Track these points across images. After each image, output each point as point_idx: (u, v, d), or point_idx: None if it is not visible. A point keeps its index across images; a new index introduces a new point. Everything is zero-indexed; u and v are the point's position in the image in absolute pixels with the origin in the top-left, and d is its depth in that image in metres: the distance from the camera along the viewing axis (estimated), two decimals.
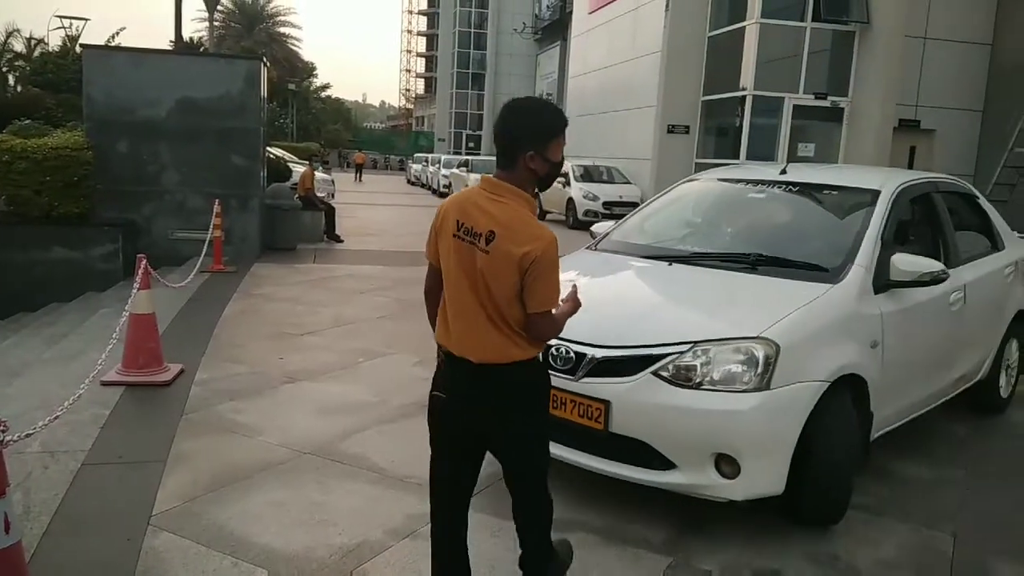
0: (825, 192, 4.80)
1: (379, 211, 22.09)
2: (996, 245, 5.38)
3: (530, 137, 2.41)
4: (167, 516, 3.43)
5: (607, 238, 5.00)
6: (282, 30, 61.44)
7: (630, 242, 4.81)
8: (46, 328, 8.15)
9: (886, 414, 3.97)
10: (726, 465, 3.24)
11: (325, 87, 71.32)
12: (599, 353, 3.45)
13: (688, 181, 5.52)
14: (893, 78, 14.52)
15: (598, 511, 3.63)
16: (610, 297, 4.14)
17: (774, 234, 4.62)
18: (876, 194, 4.33)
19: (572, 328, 3.14)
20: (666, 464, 3.32)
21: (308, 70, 64.55)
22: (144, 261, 5.25)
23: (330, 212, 13.92)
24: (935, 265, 3.99)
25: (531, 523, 2.72)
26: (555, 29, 40.61)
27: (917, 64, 15.33)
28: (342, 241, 13.52)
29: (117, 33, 27.50)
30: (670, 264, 4.27)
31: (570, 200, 18.54)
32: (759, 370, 3.26)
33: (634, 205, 18.06)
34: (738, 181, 5.23)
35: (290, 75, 53.04)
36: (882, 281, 3.90)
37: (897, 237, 4.29)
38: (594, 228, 5.35)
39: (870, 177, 4.82)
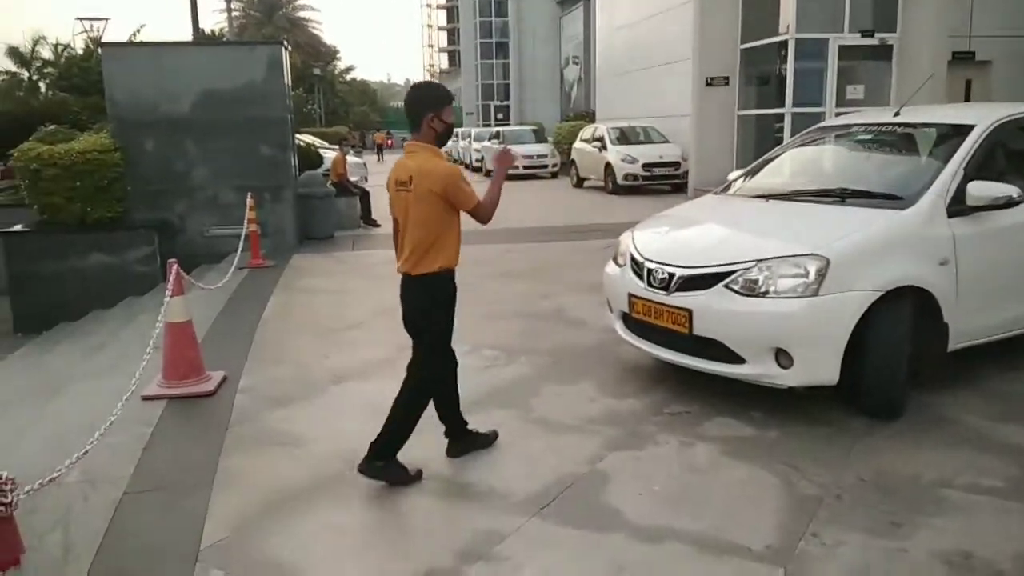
0: (926, 130, 5.12)
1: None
2: None
3: (431, 104, 3.53)
4: (216, 550, 3.13)
5: (731, 185, 5.66)
6: (302, 15, 61.05)
7: (748, 186, 5.49)
8: (86, 338, 7.99)
9: (967, 328, 4.31)
10: (783, 358, 3.92)
11: (349, 69, 71.01)
12: (685, 272, 4.28)
13: (813, 130, 6.05)
14: (943, 8, 13.62)
15: (693, 515, 3.25)
16: (704, 229, 5.10)
17: (869, 170, 5.23)
18: (969, 129, 4.58)
19: (668, 254, 4.52)
20: (737, 359, 4.07)
21: (331, 54, 64.17)
22: (176, 265, 4.96)
23: (365, 197, 13.61)
24: (1008, 189, 4.23)
25: (393, 412, 3.69)
26: None
27: None
28: (379, 225, 13.18)
29: (138, 31, 27.30)
30: (766, 201, 4.98)
31: (608, 165, 17.93)
32: (810, 280, 3.89)
33: (676, 165, 17.44)
34: (852, 126, 5.75)
35: (314, 60, 52.68)
36: (958, 207, 4.24)
37: (990, 168, 4.48)
38: (729, 176, 5.93)
39: (971, 113, 5.09)
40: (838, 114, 12.25)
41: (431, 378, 3.74)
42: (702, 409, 4.33)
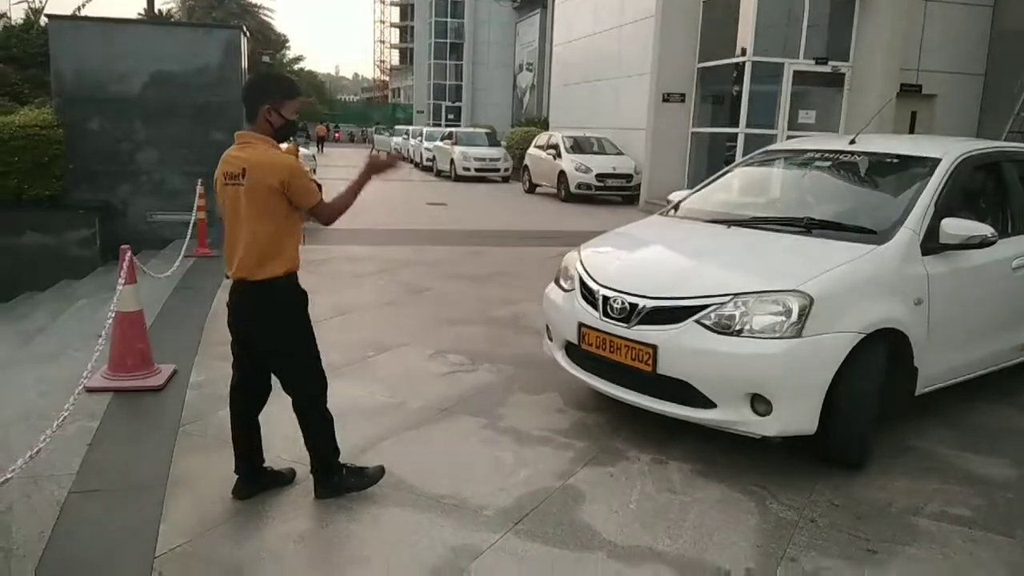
0: (888, 161, 4.93)
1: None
2: None
3: (269, 94, 3.17)
4: (172, 558, 2.94)
5: (680, 205, 5.32)
6: (254, 0, 59.73)
7: (697, 208, 5.15)
8: (19, 322, 7.57)
9: (935, 371, 4.16)
10: (760, 404, 3.57)
11: (298, 59, 69.64)
12: (649, 303, 3.86)
13: (760, 154, 5.71)
14: (895, 42, 14.05)
15: (671, 535, 3.19)
16: (666, 255, 4.70)
17: (832, 200, 4.85)
18: (936, 162, 4.43)
19: (628, 281, 4.07)
20: (706, 403, 3.69)
21: (281, 42, 62.91)
22: (129, 252, 4.70)
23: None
24: (983, 228, 4.07)
25: (306, 437, 3.41)
26: None
27: (919, 28, 14.88)
28: None
29: (83, 5, 26.26)
30: (728, 227, 4.59)
31: (562, 173, 17.97)
32: (792, 320, 3.56)
33: (628, 177, 17.58)
34: (806, 152, 5.39)
35: (264, 47, 51.58)
36: (931, 244, 4.05)
37: (958, 204, 4.36)
38: (671, 196, 5.62)
39: (934, 146, 4.79)
40: (789, 137, 12.52)
41: (321, 395, 3.39)
42: (669, 426, 4.29)
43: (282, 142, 3.28)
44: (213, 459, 3.73)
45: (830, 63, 14.42)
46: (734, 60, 14.69)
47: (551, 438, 4.14)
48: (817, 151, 5.26)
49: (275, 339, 3.27)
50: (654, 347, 3.76)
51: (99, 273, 9.24)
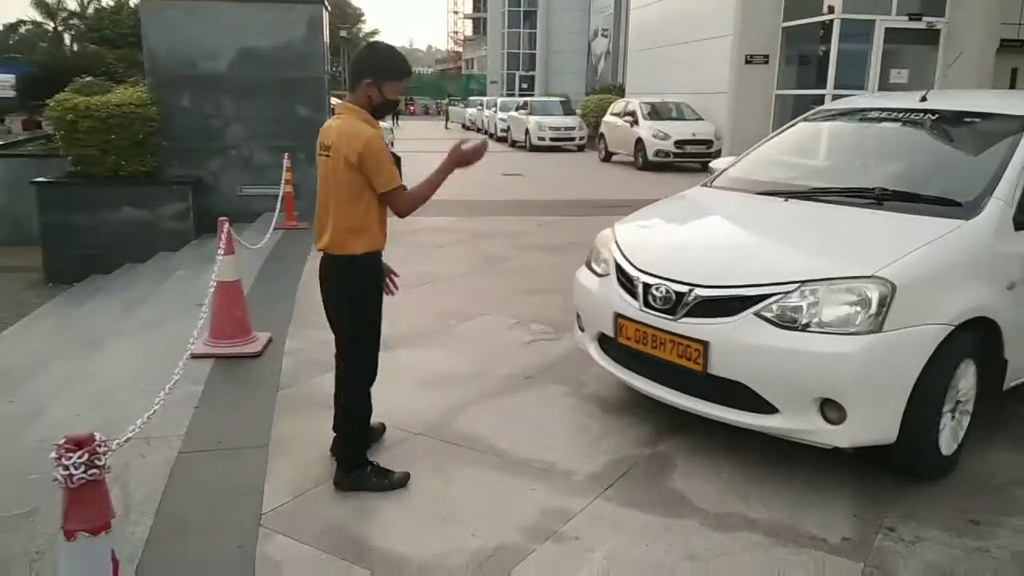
0: (967, 120, 4.32)
1: (439, 157, 21.53)
2: None
3: (373, 70, 3.09)
4: (278, 515, 3.08)
5: (724, 174, 4.75)
6: None
7: (748, 178, 4.54)
8: (122, 292, 7.95)
9: (1022, 362, 3.63)
10: (831, 411, 3.08)
11: (374, 33, 70.48)
12: (700, 292, 3.37)
13: (812, 114, 5.08)
14: None
15: (763, 507, 3.17)
16: (716, 234, 4.15)
17: (906, 167, 4.30)
18: (1022, 120, 3.87)
19: (673, 266, 3.56)
20: (767, 407, 3.21)
21: (357, 16, 63.70)
22: (227, 224, 4.89)
23: (396, 161, 13.47)
24: None
25: (338, 416, 3.43)
26: None
27: None
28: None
29: None
30: (786, 200, 4.04)
31: (639, 140, 17.71)
32: (872, 311, 3.05)
33: (708, 143, 17.21)
34: (872, 111, 4.77)
35: (341, 22, 52.31)
36: (1022, 217, 3.53)
37: None
38: (713, 164, 5.10)
39: (1018, 102, 4.31)
40: None
41: (362, 381, 3.36)
42: None
43: (380, 119, 3.21)
44: (311, 421, 3.88)
45: (924, 19, 13.73)
46: (821, 18, 14.14)
47: (634, 407, 4.14)
48: (881, 109, 4.69)
49: (339, 313, 3.29)
50: (705, 343, 3.29)
51: (193, 245, 9.61)
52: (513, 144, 25.51)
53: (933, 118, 4.34)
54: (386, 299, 3.42)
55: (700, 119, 17.92)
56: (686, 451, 3.64)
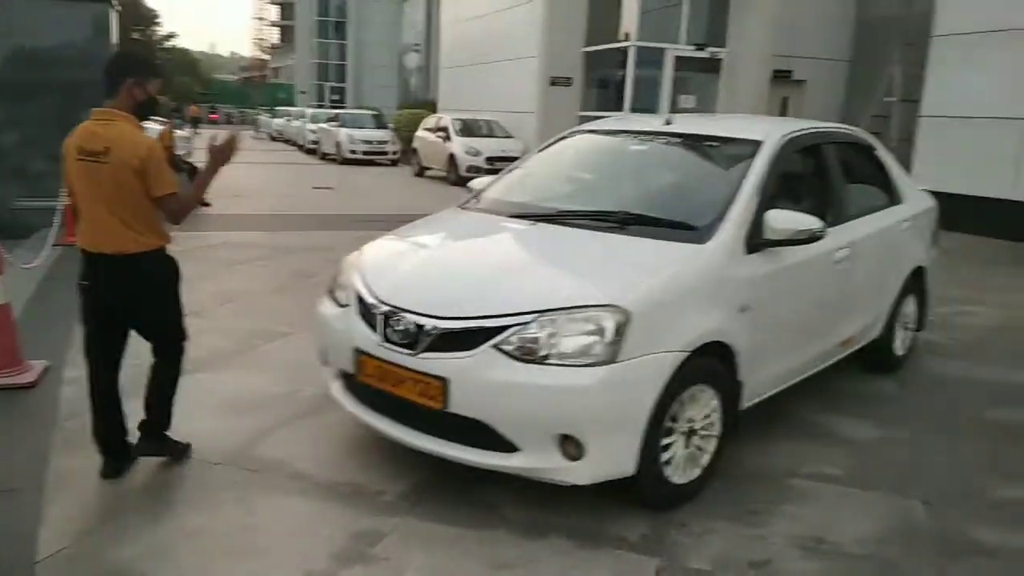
0: (707, 144, 4.42)
1: (244, 169, 20.64)
2: (894, 198, 5.14)
3: (138, 70, 3.23)
4: (55, 562, 2.79)
5: (481, 195, 4.61)
6: None
7: (500, 199, 4.42)
8: None
9: (759, 381, 3.73)
10: (571, 446, 2.98)
11: (170, 36, 66.50)
12: (440, 324, 3.15)
13: (569, 134, 5.01)
14: (768, 28, 14.70)
15: (568, 512, 3.28)
16: (459, 261, 3.88)
17: (649, 190, 4.32)
18: (758, 145, 3.99)
19: (414, 296, 3.33)
20: (508, 447, 3.06)
21: (151, 17, 59.80)
22: None
23: (193, 172, 12.73)
24: (812, 222, 3.63)
25: (161, 392, 3.51)
26: None
27: (790, 14, 15.62)
28: (209, 204, 12.37)
29: None
30: (533, 224, 3.92)
31: (451, 156, 17.90)
32: (607, 341, 2.97)
33: (518, 160, 17.70)
34: (619, 133, 4.86)
35: (133, 23, 48.89)
36: (756, 240, 3.60)
37: (780, 191, 3.94)
38: (472, 184, 4.95)
39: (754, 127, 4.48)
40: None
41: (183, 348, 3.56)
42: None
43: (143, 120, 3.32)
44: (93, 455, 3.54)
45: (708, 49, 14.96)
46: (619, 45, 15.03)
47: None
48: (629, 132, 4.73)
49: (157, 306, 3.38)
50: (445, 380, 3.07)
51: None
52: (324, 157, 24.97)
53: (676, 141, 4.44)
54: (187, 321, 3.45)
55: (510, 136, 18.42)
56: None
